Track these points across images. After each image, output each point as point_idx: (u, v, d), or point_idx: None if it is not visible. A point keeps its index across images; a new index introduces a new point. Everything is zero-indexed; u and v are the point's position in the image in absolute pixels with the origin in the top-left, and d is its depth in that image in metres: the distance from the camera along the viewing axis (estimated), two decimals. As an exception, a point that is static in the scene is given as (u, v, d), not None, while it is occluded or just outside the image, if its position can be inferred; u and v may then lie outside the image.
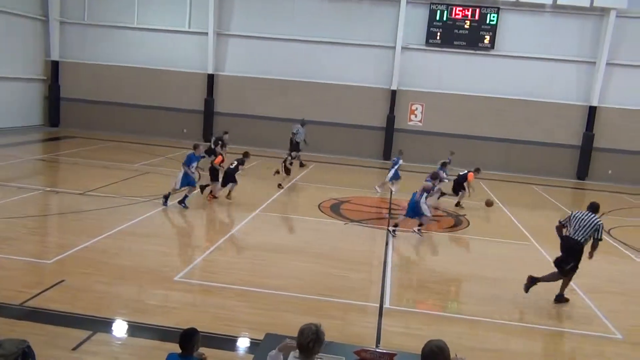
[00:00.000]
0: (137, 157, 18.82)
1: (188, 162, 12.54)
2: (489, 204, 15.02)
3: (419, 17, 22.75)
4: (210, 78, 24.16)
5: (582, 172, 22.60)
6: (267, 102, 23.91)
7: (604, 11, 21.53)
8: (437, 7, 22.44)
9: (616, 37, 21.61)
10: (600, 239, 8.29)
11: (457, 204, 15.35)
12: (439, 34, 22.63)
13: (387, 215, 13.75)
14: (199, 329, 4.55)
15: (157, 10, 24.15)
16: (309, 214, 13.20)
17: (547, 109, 22.57)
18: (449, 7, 22.35)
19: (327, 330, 3.94)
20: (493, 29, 22.27)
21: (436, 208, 14.57)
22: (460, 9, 22.33)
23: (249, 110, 24.08)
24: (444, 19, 22.49)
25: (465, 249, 11.77)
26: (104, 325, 6.52)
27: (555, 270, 8.59)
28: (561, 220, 8.82)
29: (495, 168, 22.45)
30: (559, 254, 8.58)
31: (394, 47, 22.84)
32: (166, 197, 12.43)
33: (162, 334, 6.38)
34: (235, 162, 13.71)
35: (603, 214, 15.46)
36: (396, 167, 16.36)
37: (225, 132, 18.30)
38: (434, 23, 22.59)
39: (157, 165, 17.83)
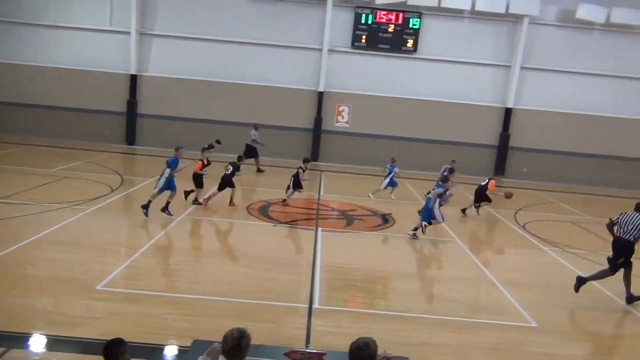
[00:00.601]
0: (55, 162, 17.92)
1: (172, 165, 12.07)
2: (509, 195, 15.07)
3: (344, 20, 23.10)
4: (133, 79, 23.40)
5: (500, 170, 23.72)
6: (193, 103, 23.46)
7: (518, 18, 22.72)
8: (362, 10, 22.87)
9: (529, 43, 22.87)
10: None
11: (463, 211, 15.38)
12: (364, 37, 23.07)
13: (316, 216, 13.86)
14: (125, 339, 4.40)
15: (76, 7, 23.08)
16: (237, 216, 13.08)
17: (466, 110, 23.54)
18: (374, 10, 22.84)
19: (257, 333, 3.93)
20: (416, 33, 22.97)
21: (363, 207, 14.85)
22: (385, 13, 22.88)
23: (173, 112, 23.52)
24: (369, 22, 22.95)
25: (392, 247, 12.05)
26: (19, 340, 6.16)
27: (607, 267, 9.15)
28: (612, 218, 9.31)
29: (418, 168, 23.14)
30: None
31: (321, 49, 23.06)
32: (146, 207, 11.81)
33: (84, 346, 6.11)
34: (231, 168, 13.62)
35: (519, 209, 16.36)
36: (391, 175, 16.48)
37: (218, 142, 18.18)
38: (360, 26, 23.01)
39: (77, 169, 17.06)
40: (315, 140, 23.58)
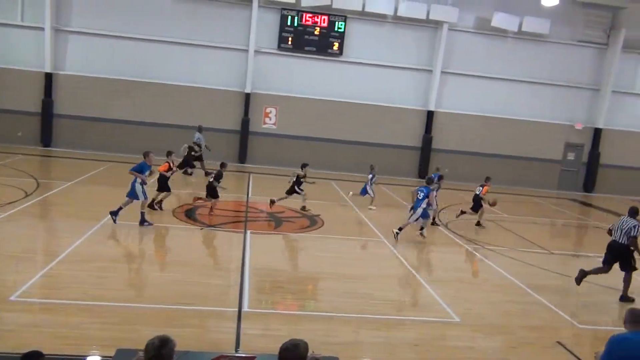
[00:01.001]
0: (-40, 165, 16.71)
1: (140, 170, 11.73)
2: (494, 203, 15.00)
3: (270, 22, 23.07)
4: (49, 77, 22.21)
5: (423, 171, 24.51)
6: (114, 104, 22.59)
7: (437, 24, 23.59)
8: (288, 12, 22.94)
9: (449, 48, 23.80)
10: (636, 236, 9.62)
11: (478, 224, 15.26)
12: (290, 39, 23.14)
13: (245, 219, 13.75)
14: (42, 352, 4.19)
15: (-18, 0, 21.64)
16: (162, 220, 12.74)
17: (390, 113, 24.16)
18: (300, 13, 22.97)
19: (184, 339, 3.87)
20: (341, 36, 23.32)
21: (291, 209, 14.90)
22: (310, 15, 23.05)
23: (93, 112, 22.53)
24: (295, 24, 23.06)
25: (320, 248, 12.17)
26: None
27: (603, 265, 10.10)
28: (610, 226, 10.29)
29: (346, 169, 23.52)
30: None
31: (247, 50, 22.90)
32: (115, 213, 11.61)
33: (-4, 361, 5.76)
34: (212, 177, 13.55)
35: (442, 209, 16.99)
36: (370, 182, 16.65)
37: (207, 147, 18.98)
38: (286, 28, 23.06)
39: (-14, 173, 15.99)
40: (243, 142, 23.39)
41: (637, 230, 9.69)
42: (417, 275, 10.35)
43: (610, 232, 10.21)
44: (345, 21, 23.18)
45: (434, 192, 13.39)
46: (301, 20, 23.03)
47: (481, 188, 15.35)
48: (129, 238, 11.42)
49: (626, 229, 9.79)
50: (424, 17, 23.05)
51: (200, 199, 14.15)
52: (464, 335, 7.77)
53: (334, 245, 12.34)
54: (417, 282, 10.01)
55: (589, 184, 25.65)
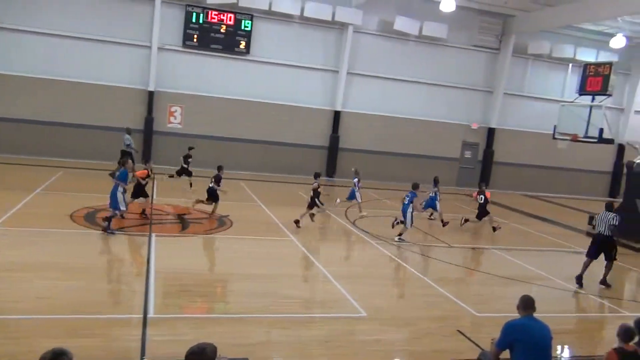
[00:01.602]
0: None
1: (123, 178, 11.70)
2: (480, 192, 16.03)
3: (175, 18, 22.42)
4: None
5: (331, 170, 24.96)
6: (11, 102, 20.91)
7: (343, 26, 24.06)
8: (192, 9, 22.40)
9: (354, 50, 24.36)
10: (616, 225, 11.22)
11: (494, 229, 15.85)
12: (195, 36, 22.62)
13: (150, 222, 13.28)
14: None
15: None
16: (59, 225, 11.99)
17: (298, 112, 24.34)
18: (205, 10, 22.51)
19: (87, 350, 3.69)
20: (248, 35, 23.13)
21: (198, 210, 14.59)
22: (216, 13, 22.67)
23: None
24: (200, 21, 22.58)
25: (229, 249, 12.02)
26: None
27: (587, 259, 11.53)
28: (592, 222, 11.33)
29: (254, 168, 23.41)
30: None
31: (150, 47, 22.12)
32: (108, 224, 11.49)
33: None
34: (213, 180, 13.91)
35: (350, 206, 17.36)
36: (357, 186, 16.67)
37: (191, 148, 18.53)
38: (191, 25, 22.51)
39: None
40: (147, 142, 22.55)
41: (616, 219, 11.30)
42: (326, 272, 10.51)
43: (594, 227, 11.73)
44: (252, 20, 23.03)
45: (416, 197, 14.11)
46: (207, 18, 22.59)
47: (483, 196, 16.17)
48: (21, 245, 10.65)
49: (606, 220, 11.28)
50: (329, 18, 23.42)
51: (201, 201, 14.29)
52: (372, 329, 8.00)
53: (243, 245, 12.24)
54: (326, 280, 10.17)
55: (484, 181, 27.23)
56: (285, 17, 23.46)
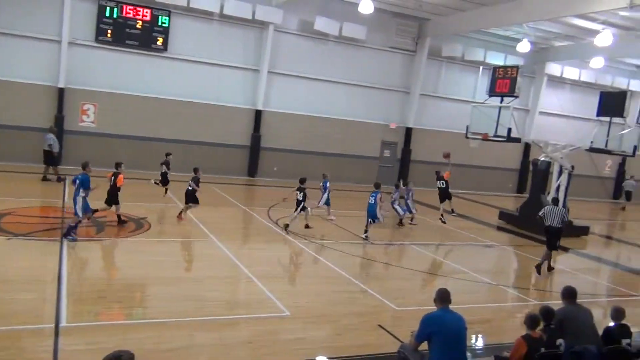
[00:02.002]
0: None
1: (86, 185, 11.27)
2: (446, 155, 17.06)
3: (87, 12, 21.35)
4: None
5: (253, 169, 24.79)
6: None
7: (264, 24, 23.93)
8: (106, 3, 21.43)
9: (275, 49, 24.31)
10: (568, 220, 13.05)
11: (452, 212, 17.65)
12: (109, 31, 21.67)
13: (60, 226, 12.60)
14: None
15: None
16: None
17: (219, 111, 23.96)
18: (119, 4, 21.62)
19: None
20: (165, 32, 22.47)
21: (124, 215, 14.04)
22: (131, 8, 21.84)
23: None
24: (115, 16, 21.66)
25: (147, 252, 11.64)
26: None
27: (547, 250, 12.75)
28: (539, 214, 12.81)
29: (175, 169, 22.73)
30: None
31: (60, 42, 20.96)
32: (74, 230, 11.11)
33: None
34: (192, 183, 14.00)
35: (272, 206, 17.34)
36: (327, 191, 16.69)
37: (168, 154, 18.27)
38: (104, 20, 21.54)
39: None
40: (59, 142, 21.29)
41: (568, 215, 13.02)
42: (248, 273, 10.43)
43: (541, 218, 12.82)
44: (169, 16, 22.40)
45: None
46: (121, 12, 21.71)
47: (443, 181, 17.44)
48: None
49: (558, 214, 12.60)
50: (249, 16, 23.22)
51: (187, 207, 14.45)
52: (295, 328, 8.04)
53: (163, 248, 11.90)
54: (249, 280, 10.10)
55: (403, 179, 28.09)
56: (205, 14, 23.01)
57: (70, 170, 20.11)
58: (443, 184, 17.53)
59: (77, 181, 11.46)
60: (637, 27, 23.32)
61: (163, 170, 17.80)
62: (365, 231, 14.67)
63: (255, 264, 11.59)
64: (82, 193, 11.36)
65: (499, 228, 19.11)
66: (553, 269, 13.17)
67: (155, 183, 17.87)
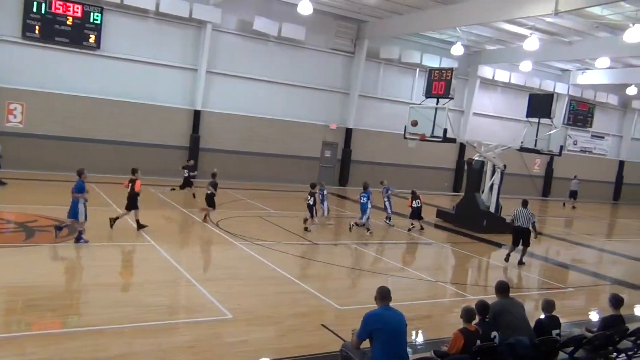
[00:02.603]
0: None
1: (80, 190, 11.51)
2: (414, 123, 17.65)
3: (12, 6, 20.31)
4: None
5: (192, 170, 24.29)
6: None
7: (201, 23, 23.55)
8: (33, -3, 20.48)
9: (213, 48, 23.97)
10: (535, 223, 14.08)
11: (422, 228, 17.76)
12: (37, 27, 20.70)
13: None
14: None
15: None
16: None
17: (156, 111, 23.37)
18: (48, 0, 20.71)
19: None
20: (98, 29, 21.69)
21: (46, 217, 13.42)
22: (61, 3, 20.93)
23: None
24: (43, 11, 20.70)
25: (82, 258, 11.20)
26: None
27: (511, 246, 14.20)
28: (512, 217, 14.26)
29: (109, 171, 22.05)
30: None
31: (-17, 37, 19.86)
32: (79, 238, 11.55)
33: None
34: (210, 187, 14.61)
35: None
36: (325, 199, 16.81)
37: (189, 160, 19.44)
38: (31, 15, 20.54)
39: None
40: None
41: (534, 217, 14.15)
42: (189, 276, 10.24)
43: (513, 221, 14.21)
44: (102, 12, 21.65)
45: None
46: (50, 8, 20.79)
47: (419, 200, 17.62)
48: None
49: (526, 216, 13.91)
50: (186, 15, 22.78)
51: (205, 209, 15.36)
52: (238, 331, 7.96)
53: (99, 253, 11.48)
54: (189, 284, 9.92)
55: (343, 179, 28.43)
56: (140, 12, 22.39)
57: (-4, 173, 19.12)
58: (418, 203, 17.64)
59: (75, 188, 11.66)
60: (561, 32, 24.61)
61: (185, 175, 18.67)
62: (369, 229, 16.13)
63: (195, 267, 11.40)
64: (80, 198, 11.60)
65: (437, 226, 19.65)
66: (524, 263, 14.18)
67: (172, 190, 18.47)
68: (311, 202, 15.59)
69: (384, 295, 6.07)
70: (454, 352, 6.08)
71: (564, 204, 31.72)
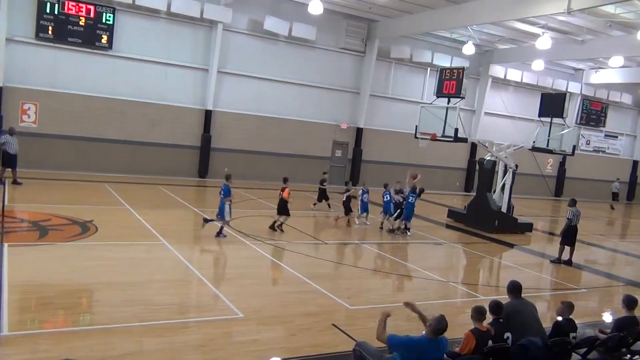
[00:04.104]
0: None
1: (227, 194, 13.21)
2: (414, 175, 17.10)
3: (25, 7, 20.51)
4: None
5: (203, 170, 24.42)
6: None
7: (212, 23, 23.63)
8: (46, -2, 20.67)
9: (224, 48, 24.04)
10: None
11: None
12: (50, 28, 20.88)
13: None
14: None
15: None
16: None
17: (167, 111, 23.49)
18: (61, 0, 20.86)
19: None
20: (110, 29, 21.84)
21: (59, 216, 13.53)
22: (74, 4, 21.10)
23: None
24: (56, 12, 20.87)
25: (94, 257, 11.25)
26: None
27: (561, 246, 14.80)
28: (569, 217, 14.60)
29: (121, 170, 22.23)
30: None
31: (-3, 38, 20.04)
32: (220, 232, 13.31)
33: None
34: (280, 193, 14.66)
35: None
36: (363, 198, 17.27)
37: (325, 172, 20.43)
38: (45, 16, 20.72)
39: None
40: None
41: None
42: (200, 275, 10.28)
43: (570, 221, 14.55)
44: (114, 13, 21.79)
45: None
46: (63, 9, 20.95)
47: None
48: None
49: (578, 215, 14.67)
50: (198, 15, 22.88)
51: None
52: (249, 330, 7.97)
53: (110, 252, 11.55)
54: (200, 283, 9.95)
55: (354, 178, 28.34)
56: (151, 12, 22.52)
57: (8, 173, 19.28)
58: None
59: (222, 191, 13.30)
60: (574, 31, 24.38)
61: (322, 187, 19.47)
62: (403, 228, 16.60)
63: (206, 266, 11.44)
64: (226, 201, 13.20)
65: (448, 226, 19.56)
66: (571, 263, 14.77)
67: (313, 205, 19.35)
68: (345, 199, 16.92)
69: (439, 328, 5.67)
70: (466, 353, 6.03)
71: (612, 207, 31.77)
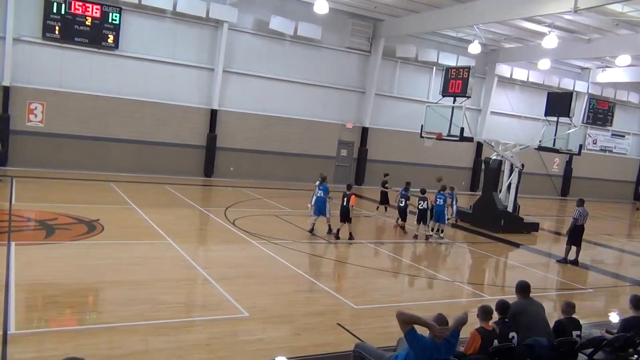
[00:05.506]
0: None
1: (326, 192, 14.50)
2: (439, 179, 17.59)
3: (32, 7, 20.60)
4: None
5: (209, 170, 24.48)
6: None
7: (218, 23, 23.66)
8: (53, -2, 20.75)
9: (230, 48, 24.07)
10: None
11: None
12: (57, 28, 20.96)
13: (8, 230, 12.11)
14: None
15: None
16: None
17: (173, 111, 23.54)
18: (67, 0, 20.94)
19: None
20: (116, 29, 21.90)
21: (65, 215, 13.60)
22: (80, 4, 21.18)
23: None
24: (62, 12, 20.96)
25: (100, 256, 11.30)
26: None
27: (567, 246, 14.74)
28: (576, 216, 14.45)
29: (128, 170, 22.30)
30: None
31: (4, 38, 20.14)
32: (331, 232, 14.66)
33: None
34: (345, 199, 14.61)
35: (229, 206, 17.15)
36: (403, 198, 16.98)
37: (386, 174, 20.02)
38: (51, 16, 20.81)
39: None
40: (2, 142, 20.49)
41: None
42: (205, 274, 10.30)
43: (577, 220, 14.47)
44: (120, 13, 21.86)
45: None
46: (69, 9, 21.03)
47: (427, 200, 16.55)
48: None
49: (586, 215, 14.75)
50: (203, 15, 22.91)
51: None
52: (254, 329, 7.97)
53: (116, 251, 11.59)
54: (205, 282, 9.97)
55: (359, 178, 28.35)
56: (157, 12, 22.57)
57: (16, 172, 19.40)
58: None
59: (321, 190, 14.54)
60: (580, 30, 24.26)
61: (384, 189, 19.28)
62: (441, 231, 16.64)
63: (212, 265, 11.45)
64: (327, 199, 14.42)
65: (453, 225, 19.50)
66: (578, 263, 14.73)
67: (377, 209, 19.48)
68: (402, 205, 16.63)
69: (442, 321, 5.58)
70: (471, 353, 6.01)
71: (638, 208, 31.86)
